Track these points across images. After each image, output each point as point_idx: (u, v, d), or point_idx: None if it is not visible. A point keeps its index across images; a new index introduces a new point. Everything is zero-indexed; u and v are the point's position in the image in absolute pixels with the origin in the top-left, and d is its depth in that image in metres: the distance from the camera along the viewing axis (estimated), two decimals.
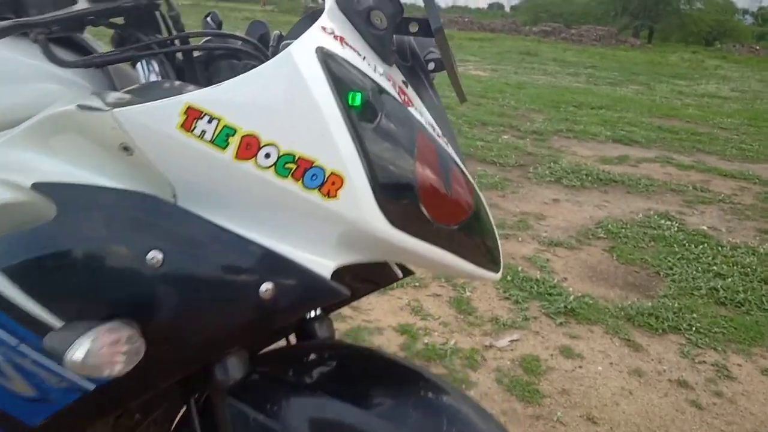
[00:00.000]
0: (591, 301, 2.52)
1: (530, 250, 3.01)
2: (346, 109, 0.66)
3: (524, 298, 2.52)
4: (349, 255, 0.73)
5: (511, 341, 2.22)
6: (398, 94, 0.74)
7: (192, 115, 0.66)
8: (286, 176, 0.67)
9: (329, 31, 0.71)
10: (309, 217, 0.69)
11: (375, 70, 0.72)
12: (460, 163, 0.79)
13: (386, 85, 0.73)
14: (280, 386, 0.81)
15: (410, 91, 0.80)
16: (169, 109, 0.66)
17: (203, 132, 0.65)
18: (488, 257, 0.80)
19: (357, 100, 0.66)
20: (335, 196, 0.67)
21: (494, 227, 0.82)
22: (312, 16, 0.83)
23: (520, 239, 3.15)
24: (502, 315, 2.37)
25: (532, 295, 2.55)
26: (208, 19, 0.93)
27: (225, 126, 0.66)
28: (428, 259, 0.74)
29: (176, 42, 0.86)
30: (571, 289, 2.63)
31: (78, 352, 0.61)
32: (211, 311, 0.70)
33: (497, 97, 7.61)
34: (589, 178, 4.32)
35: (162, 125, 0.65)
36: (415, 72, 0.86)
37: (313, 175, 0.67)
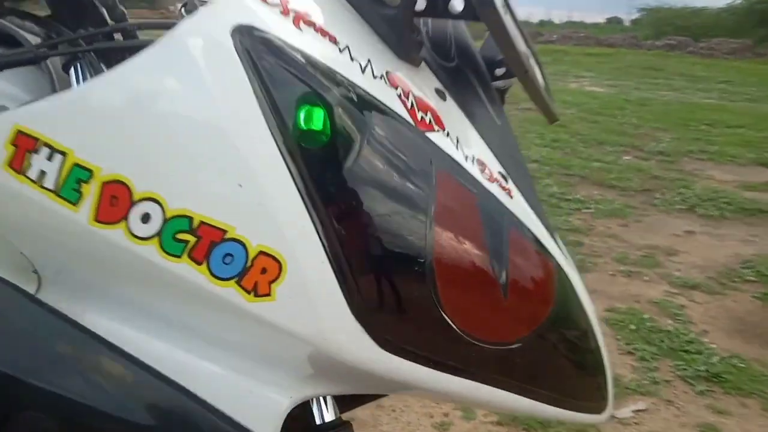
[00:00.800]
0: (742, 365, 2.02)
1: (659, 293, 2.53)
2: (287, 136, 0.39)
3: (653, 354, 2.06)
4: (314, 386, 0.44)
5: (636, 411, 1.79)
6: (411, 111, 0.45)
7: (23, 146, 0.40)
8: (179, 256, 0.40)
9: (274, 2, 0.41)
10: (228, 325, 0.40)
11: (366, 70, 0.44)
12: (532, 227, 0.49)
13: (384, 95, 0.44)
14: None
15: (448, 108, 0.51)
16: None
17: (42, 174, 0.40)
18: (586, 388, 0.52)
19: (312, 121, 0.39)
20: (268, 293, 0.39)
21: (599, 338, 0.52)
22: None
23: (646, 278, 2.67)
24: (624, 375, 1.93)
25: (663, 351, 2.09)
26: (183, 9, 0.64)
27: (74, 164, 0.40)
28: (461, 396, 0.46)
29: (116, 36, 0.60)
30: (714, 346, 2.14)
31: None
32: None
33: (616, 114, 7.02)
34: (731, 207, 3.70)
35: None
36: (463, 77, 0.55)
37: (226, 256, 0.39)
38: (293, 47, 0.40)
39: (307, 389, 0.44)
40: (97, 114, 0.40)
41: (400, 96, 0.45)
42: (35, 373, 0.41)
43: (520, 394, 0.47)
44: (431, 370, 0.43)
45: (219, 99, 0.38)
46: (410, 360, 0.42)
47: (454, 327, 0.42)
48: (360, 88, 0.42)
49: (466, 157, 0.47)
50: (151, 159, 0.39)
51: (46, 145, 0.40)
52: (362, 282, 0.40)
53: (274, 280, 0.39)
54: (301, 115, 0.39)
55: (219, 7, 0.40)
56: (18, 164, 0.41)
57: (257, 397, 0.42)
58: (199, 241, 0.39)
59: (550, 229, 0.51)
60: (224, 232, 0.38)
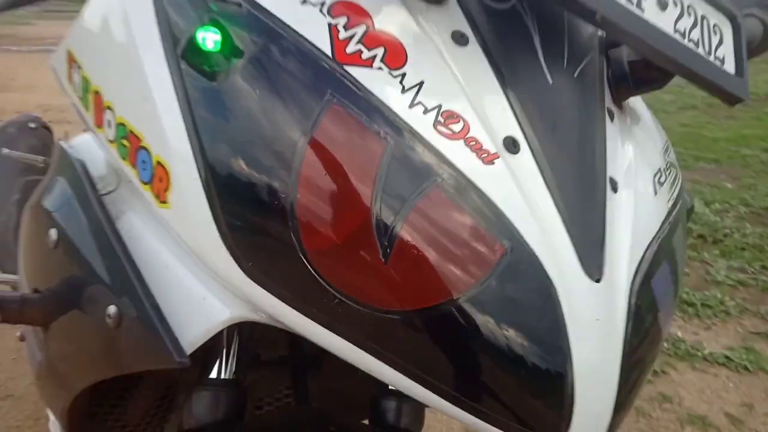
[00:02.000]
0: None
1: None
2: (177, 55, 0.42)
3: None
4: (243, 307, 0.44)
5: None
6: (337, 42, 0.42)
7: (69, 61, 0.53)
8: (125, 158, 0.46)
9: None
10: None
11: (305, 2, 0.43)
12: (509, 203, 0.41)
13: (301, 23, 0.42)
14: None
15: (459, 54, 0.45)
16: (60, 56, 0.56)
17: (76, 85, 0.52)
18: (521, 404, 0.42)
19: (204, 43, 0.40)
20: (165, 201, 0.43)
21: (568, 338, 0.41)
22: None
23: None
24: None
25: None
26: None
27: (83, 78, 0.50)
28: (346, 356, 0.43)
29: None
30: None
31: None
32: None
33: None
34: None
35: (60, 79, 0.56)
36: (515, 21, 0.47)
37: (143, 162, 0.44)
38: None
39: (242, 309, 0.44)
40: (89, 36, 0.51)
41: (332, 26, 0.42)
42: None
43: (413, 379, 0.41)
44: (299, 314, 0.41)
45: (132, 24, 0.45)
46: (277, 297, 0.40)
47: (314, 273, 0.39)
48: (271, 16, 0.42)
49: (415, 103, 0.42)
50: (108, 74, 0.48)
51: (75, 61, 0.52)
52: (227, 206, 0.40)
53: (166, 190, 0.42)
54: (197, 36, 0.40)
55: None
56: (69, 78, 0.54)
57: (206, 305, 0.45)
58: (130, 146, 0.45)
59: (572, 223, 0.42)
60: (139, 140, 0.44)
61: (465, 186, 0.41)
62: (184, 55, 0.41)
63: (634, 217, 0.48)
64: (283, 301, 0.41)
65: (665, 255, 0.50)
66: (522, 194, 0.42)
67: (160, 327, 0.43)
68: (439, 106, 0.42)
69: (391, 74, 0.42)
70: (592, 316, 0.42)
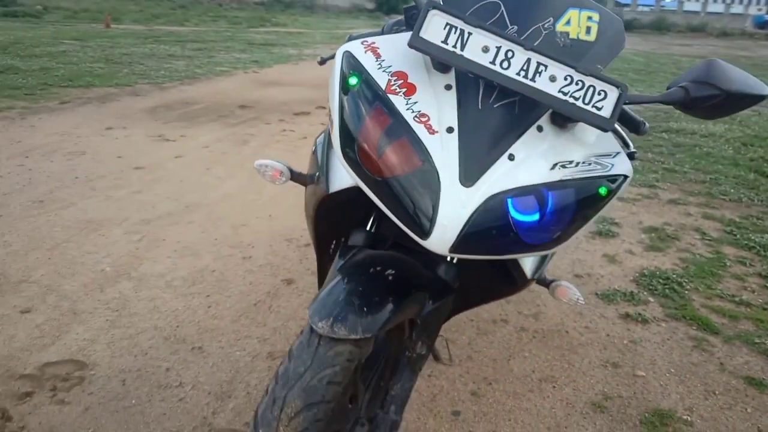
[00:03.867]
0: None
1: None
2: (341, 86, 1.10)
3: None
4: None
5: None
6: (389, 85, 1.06)
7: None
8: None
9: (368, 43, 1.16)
10: None
11: (381, 68, 1.09)
12: (433, 151, 1.00)
13: (381, 79, 1.07)
14: None
15: (440, 94, 1.06)
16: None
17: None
18: (412, 220, 1.00)
19: (350, 82, 1.09)
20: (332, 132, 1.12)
21: (439, 204, 0.98)
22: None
23: None
24: None
25: None
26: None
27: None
28: (365, 191, 1.07)
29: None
30: None
31: None
32: None
33: None
34: None
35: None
36: (474, 84, 1.07)
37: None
38: (360, 62, 1.11)
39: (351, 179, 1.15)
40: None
41: (390, 80, 1.07)
42: None
43: (383, 203, 1.04)
44: (354, 174, 1.08)
45: (334, 70, 1.14)
46: (350, 168, 1.08)
47: (360, 161, 1.05)
48: (372, 77, 1.08)
49: (409, 109, 1.03)
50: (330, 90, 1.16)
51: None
52: (343, 136, 1.08)
53: (331, 129, 1.15)
54: (348, 79, 1.09)
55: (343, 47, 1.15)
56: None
57: (343, 172, 1.19)
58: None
59: (456, 169, 0.99)
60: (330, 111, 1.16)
61: (417, 140, 1.01)
62: (343, 87, 1.10)
63: (518, 173, 1.01)
64: (356, 175, 1.06)
65: (536, 196, 1.00)
66: (442, 148, 1.00)
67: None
68: (419, 111, 1.03)
69: (405, 99, 1.05)
70: (457, 198, 0.97)
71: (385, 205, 1.02)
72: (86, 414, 1.70)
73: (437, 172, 0.97)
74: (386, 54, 1.09)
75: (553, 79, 0.99)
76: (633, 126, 1.27)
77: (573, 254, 3.01)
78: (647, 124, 1.29)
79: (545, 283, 1.35)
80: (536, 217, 1.00)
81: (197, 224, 3.14)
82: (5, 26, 13.45)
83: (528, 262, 1.26)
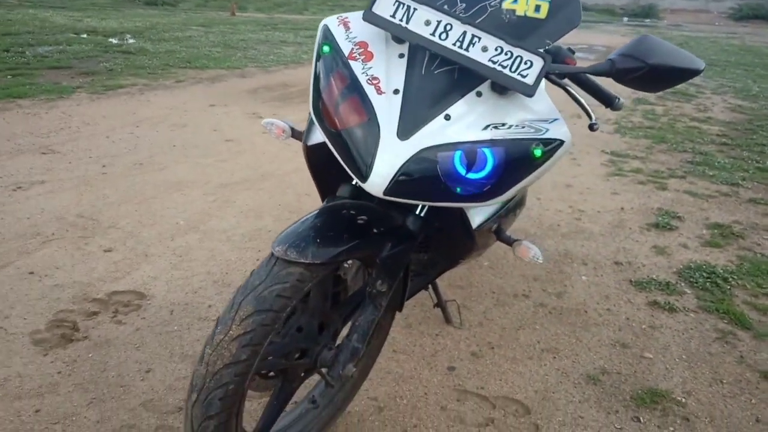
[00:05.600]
0: None
1: None
2: (317, 52, 1.30)
3: None
4: None
5: None
6: (351, 53, 1.25)
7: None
8: None
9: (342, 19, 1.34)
10: None
11: (347, 38, 1.28)
12: (372, 98, 1.18)
13: (345, 46, 1.26)
14: None
15: (393, 60, 1.23)
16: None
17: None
18: (356, 166, 1.17)
19: (324, 49, 1.28)
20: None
21: (377, 153, 1.14)
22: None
23: None
24: None
25: None
26: None
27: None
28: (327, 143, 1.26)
29: None
30: None
31: None
32: None
33: None
34: None
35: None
36: (421, 55, 1.22)
37: None
38: (332, 33, 1.31)
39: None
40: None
41: (353, 48, 1.25)
42: None
43: (336, 151, 1.23)
44: (320, 129, 1.28)
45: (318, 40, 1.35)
46: (318, 122, 1.29)
47: (323, 116, 1.25)
48: (339, 46, 1.27)
49: (364, 73, 1.20)
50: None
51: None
52: (314, 90, 1.31)
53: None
54: (323, 47, 1.29)
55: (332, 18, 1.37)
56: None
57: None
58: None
59: (394, 123, 1.15)
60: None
61: (366, 99, 1.18)
62: (317, 54, 1.30)
63: (451, 131, 1.15)
64: (321, 128, 1.27)
65: (465, 152, 1.14)
66: (387, 107, 1.16)
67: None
68: (372, 75, 1.21)
69: (362, 64, 1.23)
70: (392, 149, 1.13)
71: (338, 153, 1.21)
72: (136, 333, 2.04)
73: (378, 126, 1.14)
74: (354, 27, 1.27)
75: (485, 49, 1.12)
76: (606, 100, 1.35)
77: (620, 242, 2.98)
78: (621, 99, 1.36)
79: (508, 242, 1.46)
80: (463, 170, 1.13)
81: (266, 191, 3.46)
82: (145, 13, 14.90)
83: (474, 215, 1.38)
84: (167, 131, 4.59)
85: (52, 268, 2.44)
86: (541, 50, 1.12)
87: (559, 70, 1.20)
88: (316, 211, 1.29)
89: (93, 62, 7.30)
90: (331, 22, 1.31)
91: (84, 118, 4.82)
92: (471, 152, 1.13)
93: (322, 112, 1.24)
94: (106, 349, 1.94)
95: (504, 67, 1.11)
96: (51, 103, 5.20)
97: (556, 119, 1.22)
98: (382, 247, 1.30)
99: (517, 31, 1.18)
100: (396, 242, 1.32)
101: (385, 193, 1.13)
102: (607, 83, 1.32)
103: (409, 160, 1.12)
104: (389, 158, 1.12)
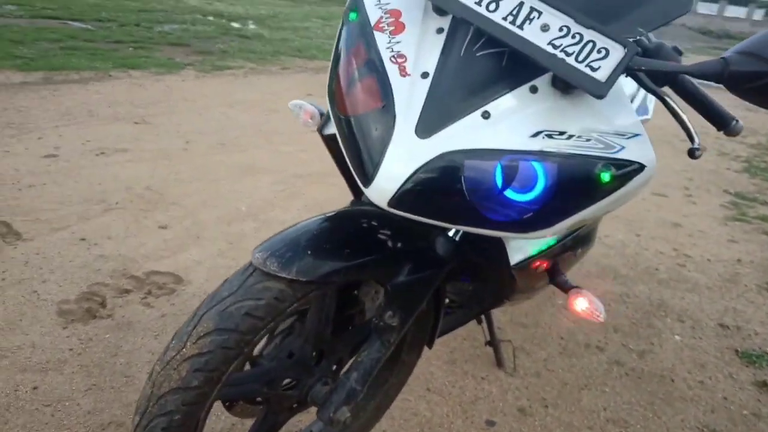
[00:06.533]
0: None
1: None
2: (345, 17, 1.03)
3: None
4: None
5: None
6: (378, 21, 0.97)
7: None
8: None
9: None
10: None
11: (378, 4, 0.99)
12: (396, 93, 0.89)
13: (374, 14, 0.98)
14: None
15: (429, 36, 0.93)
16: None
17: None
18: (360, 163, 0.89)
19: (351, 16, 1.01)
20: None
21: (386, 150, 0.85)
22: None
23: None
24: None
25: None
26: None
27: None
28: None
29: None
30: None
31: None
32: None
33: None
34: None
35: None
36: (464, 31, 0.92)
37: None
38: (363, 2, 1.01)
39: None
40: None
41: (382, 17, 0.96)
42: None
43: (342, 144, 0.95)
44: (332, 110, 1.00)
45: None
46: (333, 115, 0.99)
47: (335, 96, 0.98)
48: (366, 12, 0.99)
49: (389, 48, 0.92)
50: None
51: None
52: (332, 69, 1.02)
53: None
54: (350, 13, 1.01)
55: None
56: None
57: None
58: None
59: (416, 114, 0.86)
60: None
61: (385, 81, 0.89)
62: (344, 21, 1.03)
63: (487, 133, 0.85)
64: (331, 112, 1.00)
65: (503, 163, 0.84)
66: (409, 93, 0.87)
67: None
68: (399, 51, 0.92)
69: (389, 37, 0.94)
70: (406, 148, 0.84)
71: (343, 145, 0.95)
72: (160, 320, 1.91)
73: (394, 116, 0.86)
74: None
75: (545, 28, 0.82)
76: (718, 120, 0.99)
77: (730, 300, 2.51)
78: (739, 122, 1.00)
79: (563, 288, 1.15)
80: (497, 187, 0.85)
81: (337, 186, 3.26)
82: (273, 2, 15.42)
83: (515, 248, 1.09)
84: (258, 115, 4.56)
85: (103, 237, 2.39)
86: (629, 39, 0.81)
87: (647, 65, 0.86)
88: (322, 216, 1.06)
89: (210, 43, 7.53)
90: None
91: (184, 93, 4.91)
92: (512, 164, 0.84)
93: (335, 93, 0.98)
94: (125, 332, 1.83)
95: (568, 55, 0.81)
96: (158, 77, 5.36)
97: (636, 135, 0.90)
98: (397, 270, 1.04)
99: (600, 10, 0.88)
100: (416, 267, 1.05)
101: (391, 204, 0.86)
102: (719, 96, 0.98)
103: (426, 164, 0.83)
104: (401, 159, 0.84)
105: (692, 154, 0.98)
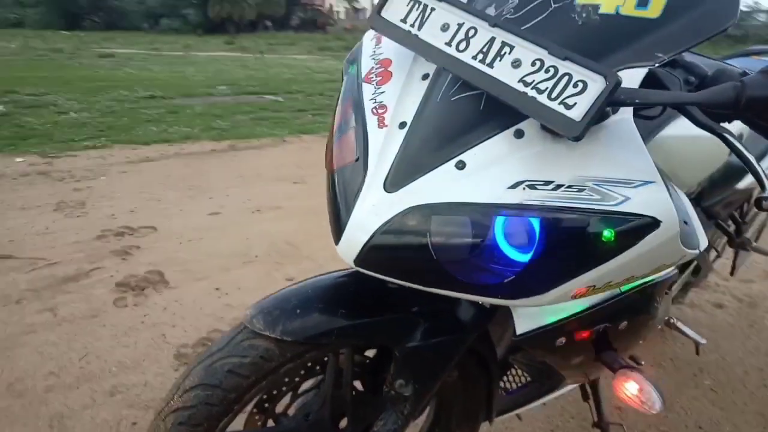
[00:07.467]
0: None
1: None
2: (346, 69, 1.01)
3: None
4: None
5: None
6: (367, 74, 0.93)
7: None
8: None
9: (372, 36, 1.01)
10: None
11: (372, 55, 0.96)
12: (371, 133, 0.84)
13: (365, 67, 0.95)
14: None
15: (412, 83, 0.87)
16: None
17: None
18: (335, 220, 0.84)
19: (350, 69, 0.98)
20: None
21: (354, 206, 0.80)
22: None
23: None
24: None
25: None
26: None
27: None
28: None
29: None
30: None
31: None
32: None
33: None
34: None
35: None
36: (444, 77, 0.86)
37: None
38: (361, 48, 1.01)
39: None
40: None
41: (373, 68, 0.93)
42: None
43: (330, 204, 0.88)
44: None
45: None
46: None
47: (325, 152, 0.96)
48: (361, 64, 0.96)
49: (372, 99, 0.88)
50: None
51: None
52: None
53: None
54: (351, 66, 0.99)
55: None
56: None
57: None
58: None
59: (386, 168, 0.80)
60: None
61: (363, 133, 0.85)
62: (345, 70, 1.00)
63: (460, 185, 0.76)
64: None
65: (472, 219, 0.75)
66: (384, 145, 0.82)
67: None
68: (381, 102, 0.87)
69: (375, 88, 0.90)
70: (372, 203, 0.78)
71: (327, 201, 0.90)
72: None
73: (366, 170, 0.81)
74: (387, 40, 0.95)
75: (516, 64, 0.72)
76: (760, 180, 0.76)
77: None
78: None
79: (611, 366, 0.94)
80: (466, 246, 0.73)
81: None
82: None
83: (522, 315, 0.91)
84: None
85: (235, 288, 2.59)
86: (618, 68, 0.66)
87: (636, 97, 0.69)
88: (326, 275, 1.02)
89: None
90: (368, 35, 1.02)
91: None
92: (484, 220, 0.73)
93: (326, 149, 0.96)
94: None
95: (540, 92, 0.69)
96: (325, 140, 5.80)
97: (648, 182, 0.72)
98: (405, 334, 0.95)
99: (600, 37, 0.74)
100: (431, 332, 0.95)
101: (357, 263, 0.79)
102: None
103: (390, 220, 0.77)
104: (367, 215, 0.78)
105: (759, 204, 0.76)
